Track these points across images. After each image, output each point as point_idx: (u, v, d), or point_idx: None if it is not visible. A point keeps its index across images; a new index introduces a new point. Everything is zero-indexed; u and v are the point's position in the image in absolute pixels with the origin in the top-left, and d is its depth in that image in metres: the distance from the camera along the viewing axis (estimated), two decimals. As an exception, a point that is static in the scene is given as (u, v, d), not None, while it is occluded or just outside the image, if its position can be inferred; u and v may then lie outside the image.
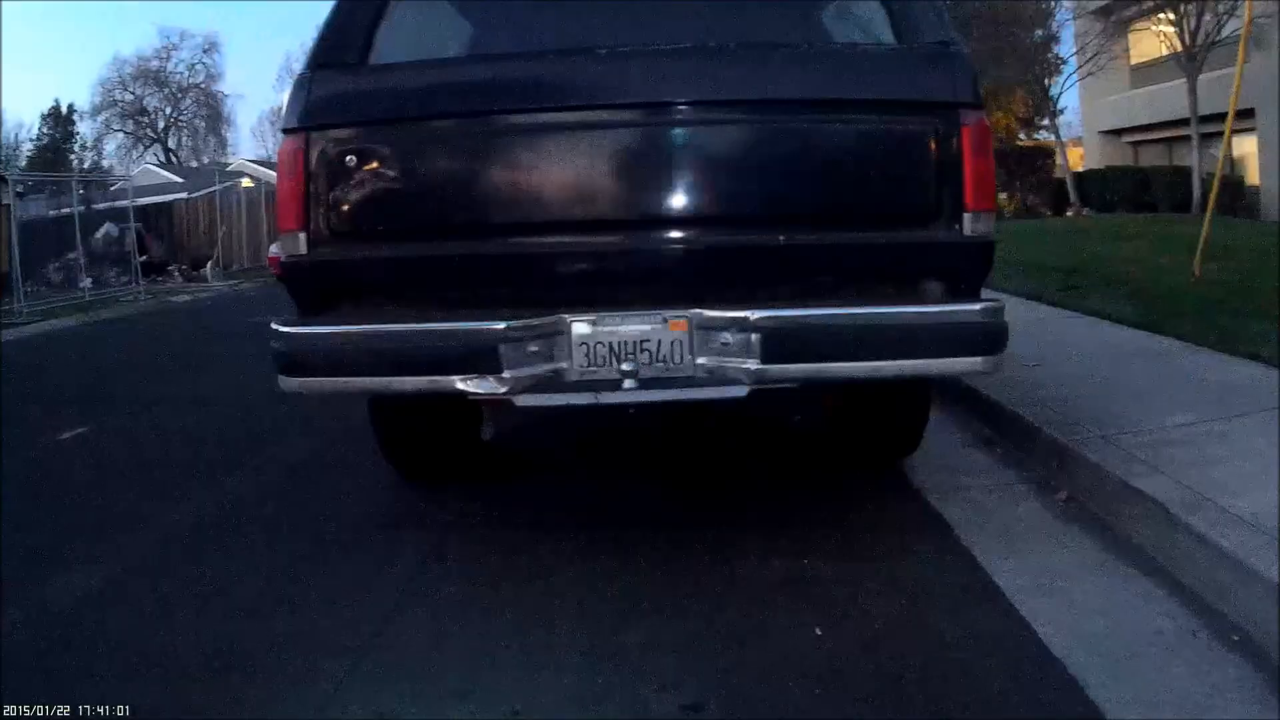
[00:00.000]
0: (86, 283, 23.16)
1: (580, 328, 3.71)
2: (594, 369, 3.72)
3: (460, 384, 3.62)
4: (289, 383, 3.78)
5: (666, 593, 3.87)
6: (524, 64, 3.96)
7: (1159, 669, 3.18)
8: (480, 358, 3.59)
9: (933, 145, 3.74)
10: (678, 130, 3.83)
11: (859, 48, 4.20)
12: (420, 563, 4.32)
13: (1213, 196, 10.67)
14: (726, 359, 3.64)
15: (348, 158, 3.80)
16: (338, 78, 3.96)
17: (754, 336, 3.57)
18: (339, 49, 4.00)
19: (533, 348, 3.65)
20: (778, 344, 3.58)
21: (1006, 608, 3.61)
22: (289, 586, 4.12)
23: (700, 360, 3.70)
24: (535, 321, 3.65)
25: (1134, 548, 4.07)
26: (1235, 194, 26.49)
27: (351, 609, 3.86)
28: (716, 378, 3.69)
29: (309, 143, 3.81)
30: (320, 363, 3.78)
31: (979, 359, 3.65)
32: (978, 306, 3.68)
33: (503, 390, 3.63)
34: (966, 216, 3.72)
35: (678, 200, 3.76)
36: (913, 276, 3.87)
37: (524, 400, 3.75)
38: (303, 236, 3.84)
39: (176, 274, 27.18)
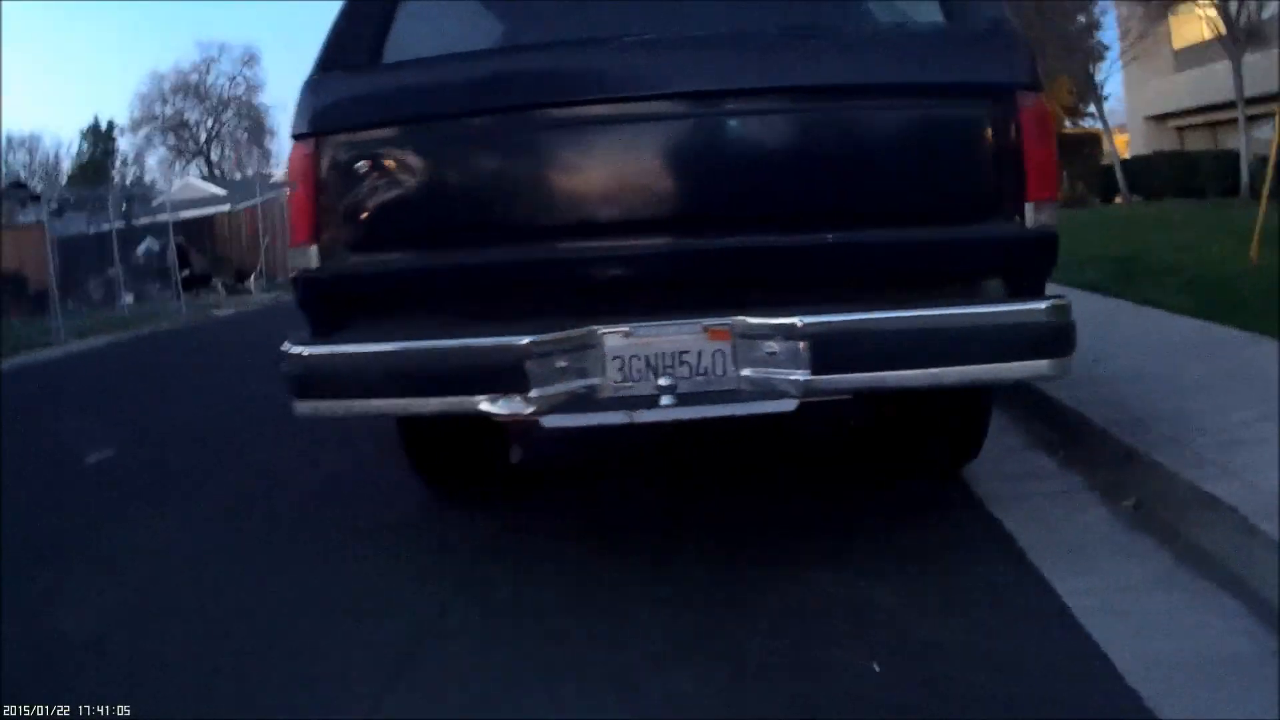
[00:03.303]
0: (128, 299, 23.31)
1: (613, 340, 3.48)
2: (629, 384, 3.50)
3: (484, 404, 3.41)
4: (302, 406, 3.60)
5: (710, 623, 3.60)
6: (545, 55, 3.75)
7: (1238, 696, 2.92)
8: (505, 375, 3.38)
9: (989, 132, 3.50)
10: (714, 122, 3.62)
11: (907, 29, 3.92)
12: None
13: (1267, 181, 10.34)
14: (773, 370, 3.40)
15: (360, 163, 3.60)
16: (348, 79, 3.77)
17: (802, 345, 3.33)
18: (349, 48, 3.80)
19: (561, 363, 3.42)
20: (828, 352, 3.34)
21: (1078, 633, 3.33)
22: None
23: (744, 372, 3.46)
24: (564, 335, 3.43)
25: (1208, 559, 3.77)
26: (1280, 177, 25.97)
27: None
28: (762, 390, 3.45)
29: (319, 149, 3.62)
30: (334, 384, 3.59)
31: (1046, 362, 3.42)
32: (1043, 305, 3.44)
33: (529, 410, 3.41)
34: (1028, 208, 3.48)
35: (716, 198, 3.55)
36: (971, 275, 3.63)
37: (552, 420, 3.51)
38: (314, 250, 3.65)
39: (219, 287, 27.31)
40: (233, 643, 3.74)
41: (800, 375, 3.35)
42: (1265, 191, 10.34)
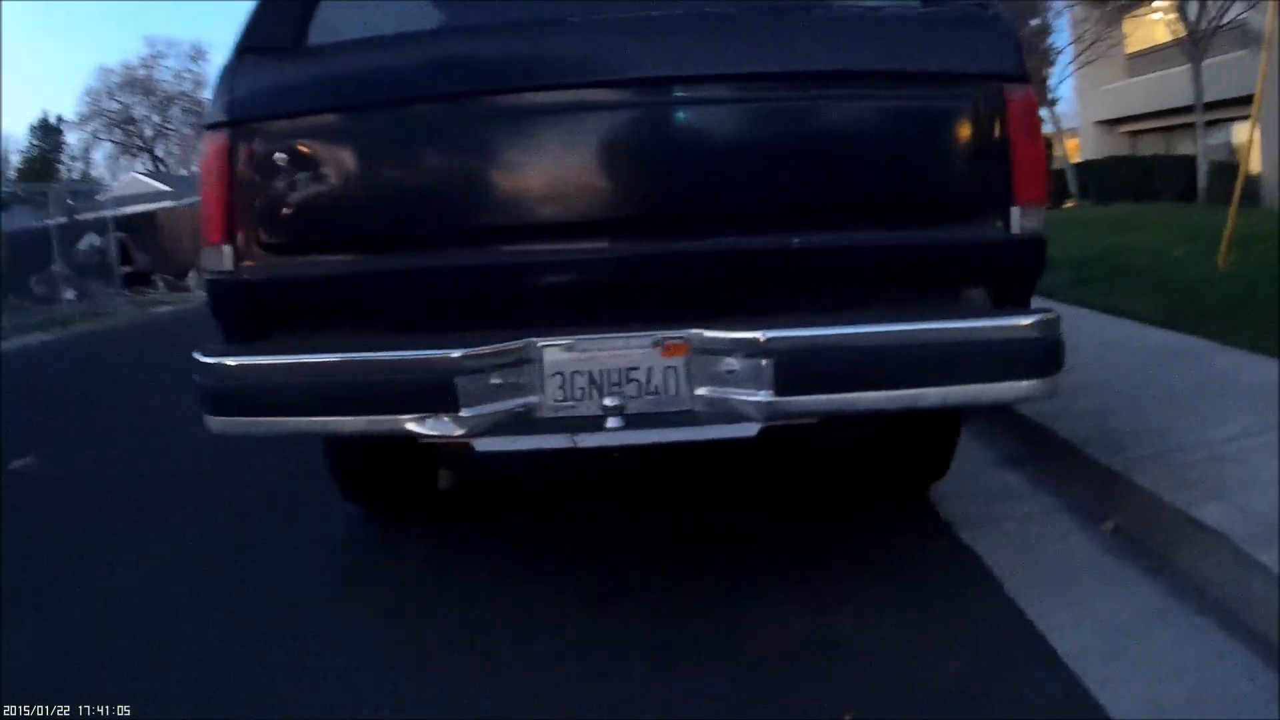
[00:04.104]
0: (70, 295, 22.91)
1: (554, 354, 3.12)
2: (571, 404, 3.14)
3: (410, 425, 3.06)
4: (215, 423, 3.24)
5: (662, 669, 3.28)
6: (481, 39, 3.39)
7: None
8: (432, 393, 3.03)
9: (972, 126, 3.18)
10: (666, 113, 3.26)
11: (883, 11, 3.53)
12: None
13: (1239, 184, 10.17)
14: (732, 390, 3.05)
15: (278, 156, 3.23)
16: (268, 64, 3.38)
17: (765, 362, 2.98)
18: (270, 30, 3.42)
19: (496, 380, 3.07)
20: (795, 371, 3.00)
21: (1065, 677, 3.05)
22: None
23: (700, 391, 3.11)
24: (499, 348, 3.07)
25: (1199, 590, 3.52)
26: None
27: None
28: (720, 413, 3.10)
29: (234, 140, 3.25)
30: (246, 400, 3.22)
31: (1033, 382, 3.09)
32: (1031, 319, 3.11)
33: (460, 432, 3.06)
34: (1014, 211, 3.17)
35: (668, 197, 3.20)
36: (951, 284, 3.31)
37: (485, 444, 3.19)
38: (228, 250, 3.28)
39: (160, 283, 26.85)
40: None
41: (763, 396, 3.01)
42: (1237, 195, 10.14)
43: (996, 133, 3.16)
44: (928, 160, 3.24)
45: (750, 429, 3.12)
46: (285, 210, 3.28)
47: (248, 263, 3.30)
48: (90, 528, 5.27)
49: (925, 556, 4.06)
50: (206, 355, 3.24)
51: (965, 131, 3.19)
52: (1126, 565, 3.82)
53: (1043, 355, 3.10)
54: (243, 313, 3.39)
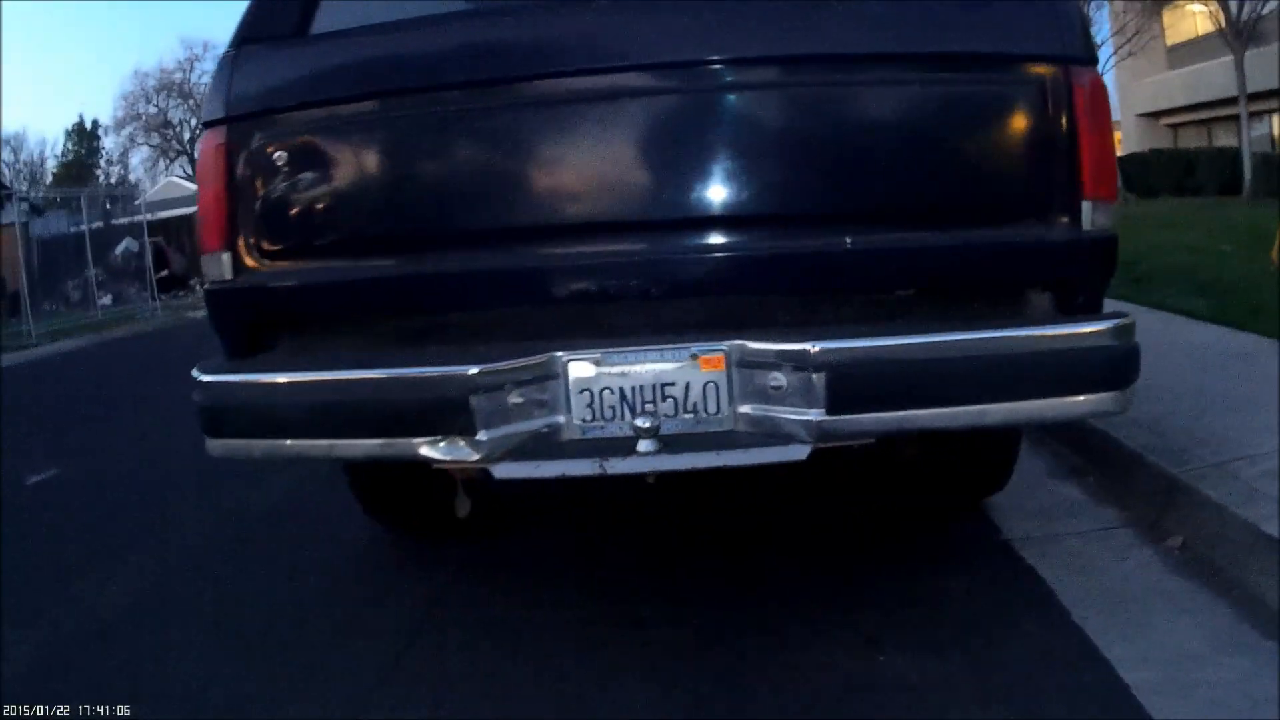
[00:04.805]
0: (105, 299, 22.98)
1: (580, 368, 2.84)
2: (599, 424, 2.86)
3: (425, 449, 2.82)
4: (215, 446, 3.02)
5: (701, 711, 3.02)
6: (506, 20, 3.13)
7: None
8: (447, 413, 2.77)
9: (1037, 114, 2.90)
10: (703, 101, 2.97)
11: None
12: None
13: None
14: (779, 408, 2.77)
15: (282, 154, 3.01)
16: (269, 55, 3.15)
17: (817, 376, 2.69)
18: (272, 19, 3.19)
19: (516, 398, 2.80)
20: (849, 386, 2.71)
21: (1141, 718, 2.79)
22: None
23: (743, 409, 2.82)
24: (520, 363, 2.81)
25: (1273, 612, 3.25)
26: (1281, 176, 25.79)
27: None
28: (765, 433, 2.81)
29: (233, 137, 3.04)
30: (247, 420, 2.99)
31: (1110, 395, 2.81)
32: (1108, 325, 2.84)
33: (477, 457, 2.80)
34: (1085, 206, 2.89)
35: (709, 194, 2.90)
36: (1016, 288, 3.03)
37: (504, 470, 2.88)
38: (227, 258, 3.07)
39: (197, 288, 26.87)
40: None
41: (813, 415, 2.72)
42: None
43: (1063, 121, 2.89)
44: (988, 152, 2.97)
45: (800, 451, 2.80)
46: (289, 213, 3.07)
47: (248, 271, 3.10)
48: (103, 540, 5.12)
49: (982, 580, 3.78)
50: (205, 372, 3.04)
51: (1029, 120, 2.92)
52: (1196, 587, 3.56)
53: (1119, 365, 2.83)
54: (243, 326, 3.17)
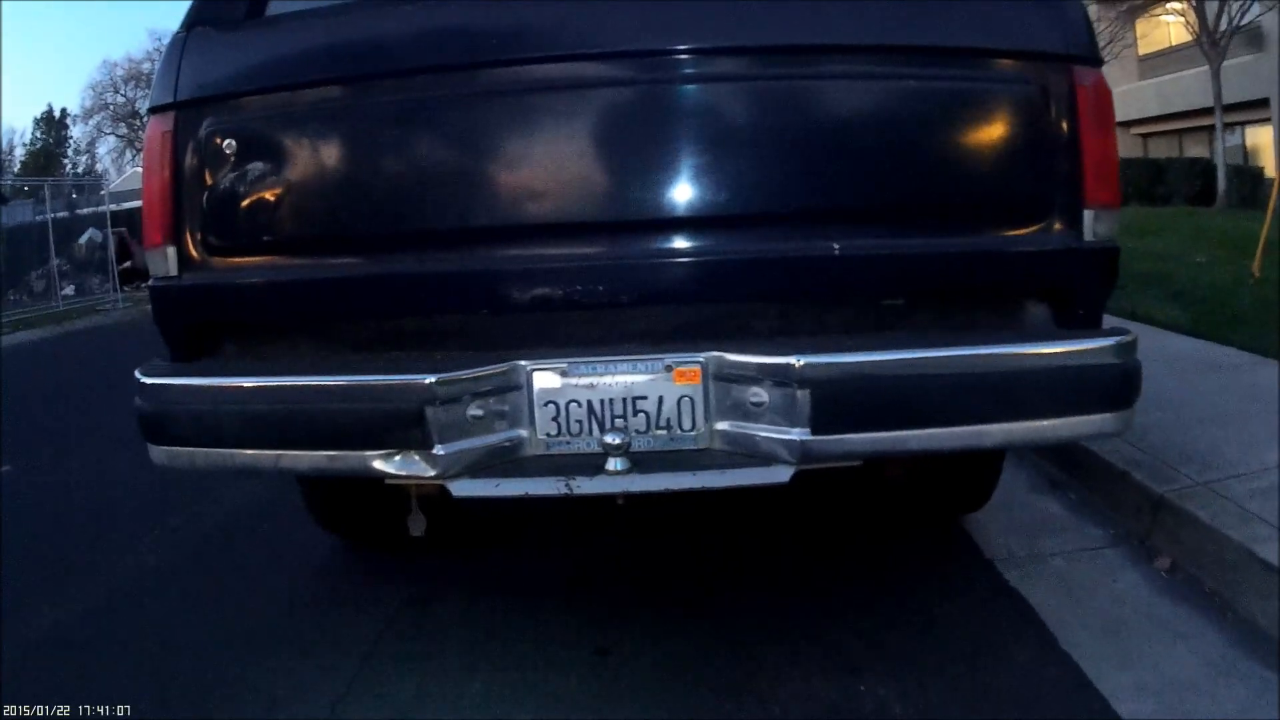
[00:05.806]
0: (67, 291, 22.69)
1: (545, 379, 2.66)
2: (565, 439, 2.68)
3: (377, 463, 2.64)
4: (156, 453, 2.83)
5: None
6: (461, 6, 2.93)
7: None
8: (401, 425, 2.60)
9: (1037, 113, 2.73)
10: (678, 92, 2.76)
11: None
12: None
13: (1276, 189, 9.75)
14: (759, 425, 2.60)
15: (231, 143, 2.81)
16: (220, 38, 2.95)
17: (801, 392, 2.52)
18: (224, 0, 3.00)
19: (476, 410, 2.63)
20: (836, 403, 2.54)
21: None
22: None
23: (720, 426, 2.65)
24: (480, 372, 2.63)
25: (1268, 638, 3.16)
26: (1254, 185, 25.92)
27: None
28: (745, 453, 2.63)
29: (180, 125, 2.84)
30: (190, 427, 2.80)
31: (1111, 415, 2.65)
32: (1110, 343, 2.67)
33: (433, 472, 2.62)
34: (1086, 214, 2.74)
35: (689, 193, 2.69)
36: (1013, 299, 2.86)
37: (462, 489, 2.68)
38: (172, 253, 2.88)
39: (157, 280, 26.58)
40: None
41: (796, 434, 2.55)
42: (1274, 199, 9.71)
43: (1065, 123, 2.73)
44: (985, 152, 2.79)
45: (782, 474, 2.61)
46: (239, 207, 2.87)
47: (195, 268, 2.91)
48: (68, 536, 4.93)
49: (966, 602, 3.62)
50: (148, 374, 2.85)
51: (1028, 120, 2.75)
52: (1188, 611, 3.44)
53: (1122, 384, 2.67)
54: (188, 326, 2.98)
